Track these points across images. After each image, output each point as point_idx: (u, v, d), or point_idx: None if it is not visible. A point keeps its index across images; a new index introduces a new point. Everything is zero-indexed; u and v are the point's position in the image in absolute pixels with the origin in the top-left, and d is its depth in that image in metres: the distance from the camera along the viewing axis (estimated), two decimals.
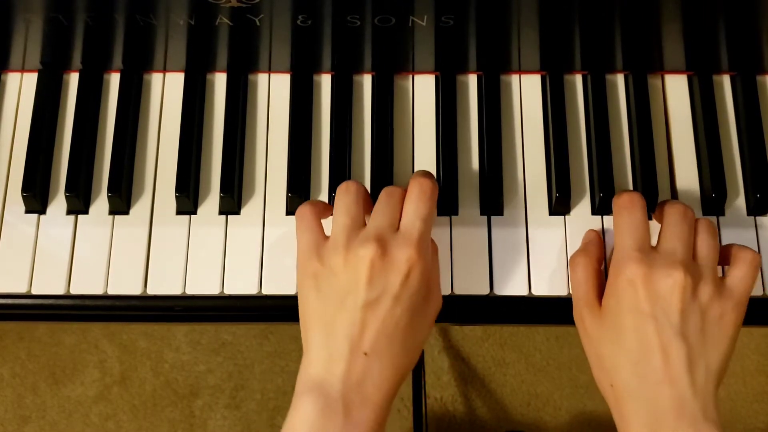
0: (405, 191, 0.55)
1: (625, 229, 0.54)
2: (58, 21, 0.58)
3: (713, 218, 0.61)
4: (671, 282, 0.50)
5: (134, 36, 0.60)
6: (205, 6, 0.56)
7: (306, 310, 0.53)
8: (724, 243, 0.60)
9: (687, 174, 0.62)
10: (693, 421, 0.48)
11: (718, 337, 0.51)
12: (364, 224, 0.54)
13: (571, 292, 0.57)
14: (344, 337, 0.50)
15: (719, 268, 0.56)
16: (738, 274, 0.53)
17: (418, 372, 1.22)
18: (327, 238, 0.54)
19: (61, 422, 1.42)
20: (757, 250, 0.60)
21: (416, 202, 0.54)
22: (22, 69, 0.65)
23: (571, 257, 0.57)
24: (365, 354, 0.50)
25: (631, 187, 0.62)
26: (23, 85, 0.65)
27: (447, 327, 1.44)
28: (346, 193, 0.55)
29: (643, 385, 0.50)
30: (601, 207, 0.61)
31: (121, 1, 0.56)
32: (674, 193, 0.62)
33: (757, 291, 0.59)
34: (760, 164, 0.61)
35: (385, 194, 0.55)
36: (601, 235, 0.59)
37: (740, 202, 0.62)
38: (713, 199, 0.60)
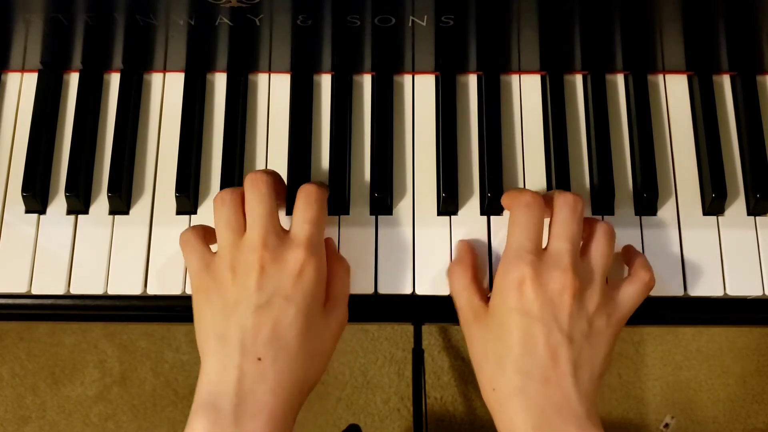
0: (273, 191, 0.54)
1: (521, 227, 0.53)
2: (58, 21, 0.58)
3: (713, 218, 0.61)
4: (560, 286, 0.50)
5: (134, 36, 0.60)
6: (205, 6, 0.56)
7: (200, 325, 0.52)
8: (725, 243, 0.60)
9: (687, 174, 0.62)
10: (578, 423, 0.48)
11: (602, 344, 0.51)
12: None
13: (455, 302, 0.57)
14: (237, 344, 0.49)
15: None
16: (630, 291, 0.53)
17: (418, 372, 1.22)
18: (214, 255, 0.54)
19: (61, 422, 1.42)
20: (757, 251, 0.60)
21: (303, 207, 0.54)
22: (22, 69, 0.65)
23: (448, 268, 0.57)
24: (259, 359, 0.49)
25: (631, 188, 0.62)
26: (23, 85, 0.65)
27: (447, 327, 1.43)
28: (221, 205, 0.54)
29: (528, 382, 0.49)
30: (600, 206, 0.61)
31: (121, 1, 0.56)
32: (674, 193, 0.62)
33: (757, 291, 0.59)
34: (760, 164, 0.61)
35: (257, 198, 0.53)
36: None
37: (740, 202, 0.62)
38: (713, 199, 0.60)
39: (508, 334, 0.51)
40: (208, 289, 0.52)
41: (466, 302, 0.55)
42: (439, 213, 0.61)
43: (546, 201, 0.55)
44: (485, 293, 0.56)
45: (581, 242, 0.53)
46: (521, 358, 0.50)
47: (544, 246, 0.54)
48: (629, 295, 0.53)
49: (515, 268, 0.51)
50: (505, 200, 0.58)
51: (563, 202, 0.53)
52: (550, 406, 0.49)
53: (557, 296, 0.50)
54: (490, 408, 0.52)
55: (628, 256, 0.58)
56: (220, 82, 0.65)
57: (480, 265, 0.59)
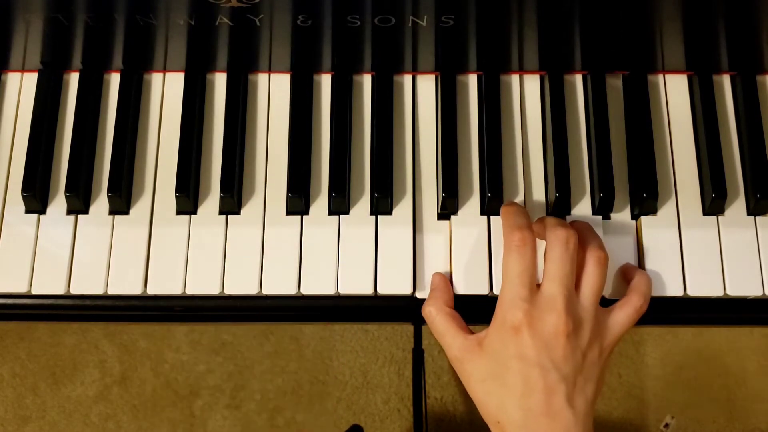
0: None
1: (514, 273, 0.54)
2: (58, 21, 0.58)
3: (713, 218, 0.61)
4: (554, 329, 0.52)
5: (134, 36, 0.60)
6: (205, 6, 0.56)
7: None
8: (725, 243, 0.60)
9: (687, 174, 0.62)
10: None
11: (594, 373, 0.54)
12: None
13: (440, 341, 0.57)
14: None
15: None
16: (621, 317, 0.56)
17: (418, 372, 1.22)
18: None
19: (61, 422, 1.42)
20: (757, 251, 0.60)
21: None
22: (22, 69, 0.65)
23: (422, 309, 0.58)
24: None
25: (628, 189, 0.62)
26: (23, 85, 0.65)
27: None
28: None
29: (529, 417, 0.52)
30: (600, 207, 0.61)
31: (121, 1, 0.56)
32: (674, 193, 0.62)
33: (757, 291, 0.59)
34: (760, 164, 0.61)
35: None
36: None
37: (740, 202, 0.62)
38: (713, 199, 0.60)
39: (510, 378, 0.53)
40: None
41: (452, 343, 0.56)
42: (440, 213, 0.61)
43: (540, 226, 0.57)
44: (465, 325, 0.57)
45: (575, 275, 0.54)
46: (522, 397, 0.52)
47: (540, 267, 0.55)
48: (620, 321, 0.55)
49: (512, 316, 0.53)
50: (501, 216, 0.59)
51: (556, 238, 0.54)
52: None
53: (552, 340, 0.52)
54: None
55: (629, 274, 0.59)
56: (220, 82, 0.65)
57: (477, 265, 0.59)
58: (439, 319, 0.57)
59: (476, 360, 0.55)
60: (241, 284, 0.59)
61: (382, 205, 0.60)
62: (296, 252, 0.60)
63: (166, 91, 0.65)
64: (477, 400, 0.55)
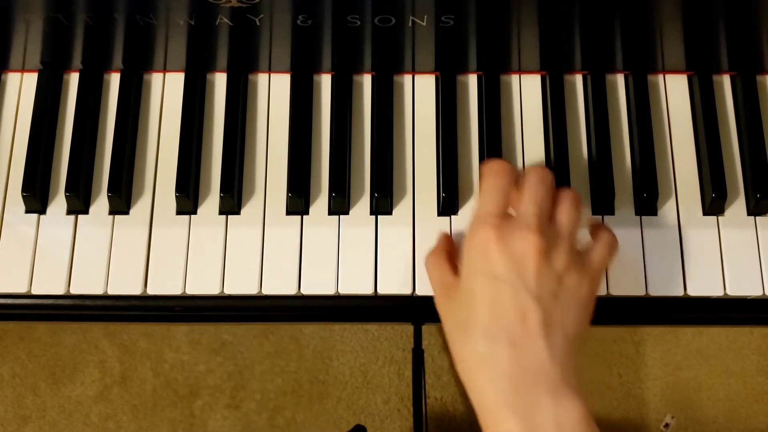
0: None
1: (487, 193, 0.52)
2: (58, 21, 0.58)
3: (713, 218, 0.61)
4: (525, 244, 0.48)
5: (134, 36, 0.60)
6: (205, 6, 0.56)
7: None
8: (725, 243, 0.60)
9: (687, 174, 0.62)
10: (551, 387, 0.46)
11: (574, 304, 0.49)
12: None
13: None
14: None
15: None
16: (598, 251, 0.53)
17: (418, 372, 1.22)
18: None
19: (61, 422, 1.42)
20: (757, 251, 0.60)
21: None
22: (22, 69, 0.65)
23: (424, 259, 0.57)
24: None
25: (631, 188, 0.62)
26: (23, 85, 0.65)
27: None
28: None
29: (496, 348, 0.47)
30: (600, 206, 0.61)
31: (121, 1, 0.56)
32: (674, 193, 0.62)
33: (757, 291, 0.59)
34: (760, 164, 0.61)
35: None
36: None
37: (740, 202, 0.62)
38: (713, 199, 0.60)
39: (474, 300, 0.49)
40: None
41: (437, 281, 0.54)
42: (440, 213, 0.61)
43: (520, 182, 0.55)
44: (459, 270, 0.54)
45: (549, 206, 0.52)
46: (488, 323, 0.48)
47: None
48: (597, 254, 0.53)
49: (480, 232, 0.50)
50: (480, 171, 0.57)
51: (533, 171, 0.53)
52: (520, 372, 0.46)
53: (522, 255, 0.48)
54: (464, 383, 0.49)
55: (592, 228, 0.58)
56: (220, 82, 0.65)
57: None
58: (433, 263, 0.55)
59: (452, 295, 0.52)
60: (241, 284, 0.59)
61: (382, 205, 0.60)
62: (296, 252, 0.60)
63: (166, 91, 0.65)
64: (448, 341, 0.51)
